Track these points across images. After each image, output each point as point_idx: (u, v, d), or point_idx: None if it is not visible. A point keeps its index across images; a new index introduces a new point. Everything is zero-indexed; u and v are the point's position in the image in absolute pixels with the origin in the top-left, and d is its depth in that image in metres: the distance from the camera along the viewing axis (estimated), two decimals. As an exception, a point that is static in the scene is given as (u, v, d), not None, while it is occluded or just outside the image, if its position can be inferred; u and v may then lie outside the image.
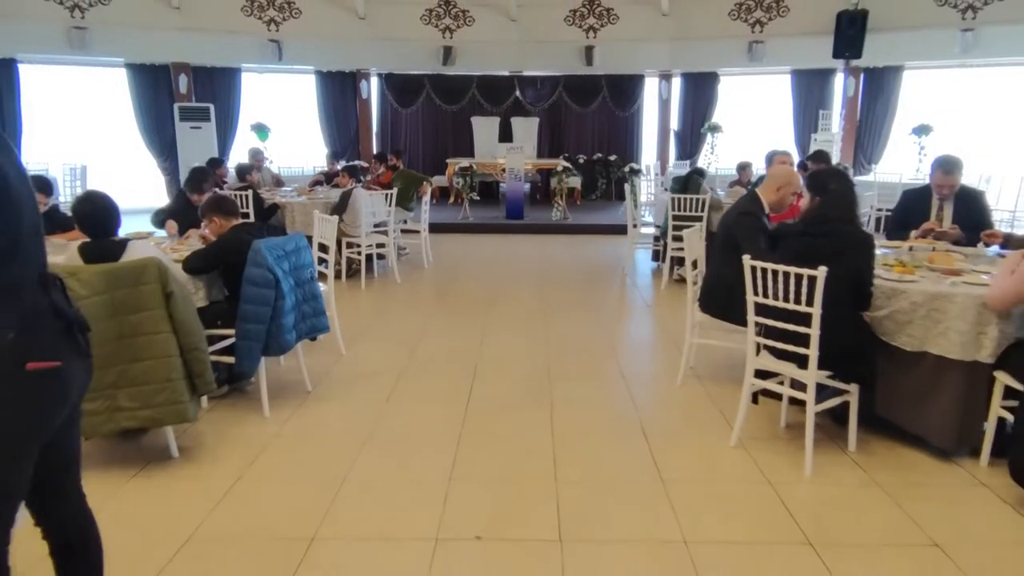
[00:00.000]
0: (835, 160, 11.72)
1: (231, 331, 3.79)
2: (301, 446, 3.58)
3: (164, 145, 12.54)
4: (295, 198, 7.51)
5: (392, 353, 5.05)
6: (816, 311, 3.11)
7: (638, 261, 8.50)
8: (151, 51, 11.95)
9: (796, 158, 8.84)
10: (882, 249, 4.23)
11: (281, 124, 13.09)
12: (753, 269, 3.33)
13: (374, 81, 14.07)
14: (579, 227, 11.09)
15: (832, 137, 12.28)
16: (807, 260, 3.13)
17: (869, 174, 11.63)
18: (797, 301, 3.17)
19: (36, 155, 11.40)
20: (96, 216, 3.37)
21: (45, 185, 5.11)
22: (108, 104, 12.53)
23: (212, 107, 12.47)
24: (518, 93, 14.18)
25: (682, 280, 5.98)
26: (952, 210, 4.72)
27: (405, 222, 8.33)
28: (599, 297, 7.00)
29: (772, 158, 5.76)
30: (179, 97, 12.48)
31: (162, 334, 3.15)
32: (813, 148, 11.61)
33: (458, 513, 2.92)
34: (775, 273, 3.23)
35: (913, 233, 4.60)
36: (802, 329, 3.18)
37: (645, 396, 4.33)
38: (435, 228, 9.16)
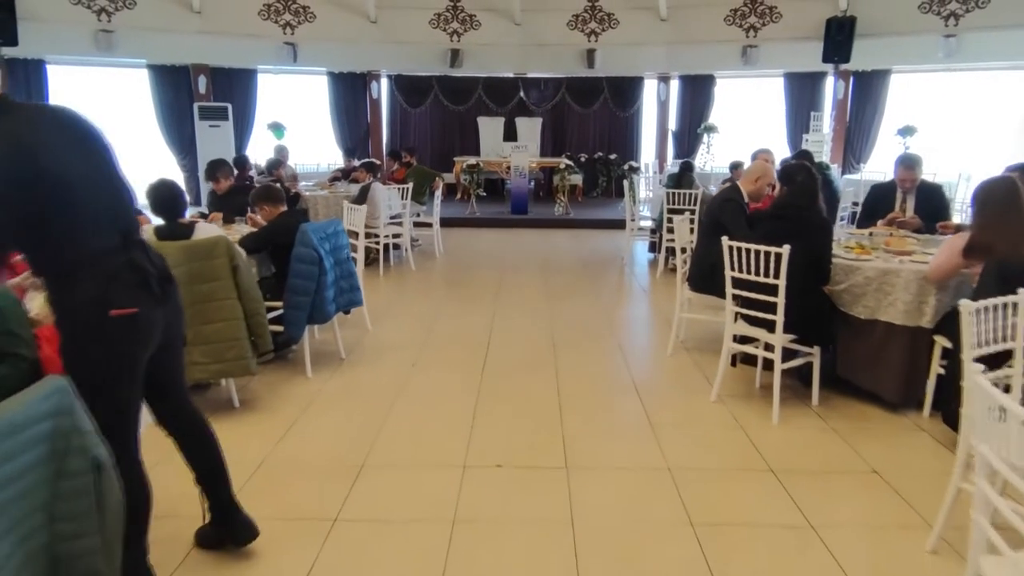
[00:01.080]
0: (825, 158, 12.36)
1: (279, 303, 4.37)
2: (343, 400, 4.16)
3: (184, 143, 13.12)
4: (318, 192, 8.09)
5: (413, 329, 5.64)
6: (782, 283, 3.69)
7: (636, 252, 9.07)
8: (173, 53, 12.52)
9: (787, 155, 9.41)
10: (849, 234, 4.82)
11: (295, 123, 13.67)
12: (730, 248, 3.91)
13: (384, 82, 14.64)
14: (581, 222, 11.67)
15: (823, 137, 12.85)
16: (775, 240, 3.71)
17: (857, 173, 12.21)
18: (767, 274, 3.75)
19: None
20: (168, 200, 3.94)
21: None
22: (131, 104, 13.10)
23: (230, 106, 13.03)
24: (522, 94, 14.75)
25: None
26: (914, 202, 5.30)
27: (418, 215, 8.91)
28: (599, 284, 7.58)
29: (756, 155, 6.34)
30: (198, 97, 13.05)
31: (230, 300, 3.73)
32: (803, 147, 12.27)
33: (481, 448, 3.51)
34: (748, 251, 3.81)
35: (880, 222, 5.19)
36: (771, 299, 3.76)
37: (638, 363, 4.91)
38: (444, 222, 9.72)
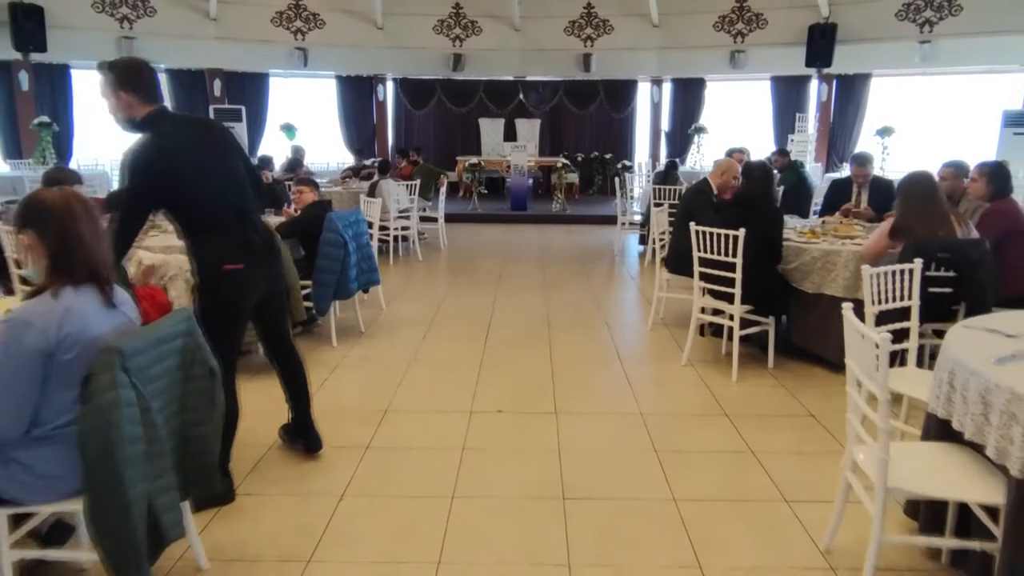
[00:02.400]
0: (809, 157, 13.04)
1: (308, 281, 5.04)
2: (365, 364, 4.84)
3: (200, 143, 13.79)
4: (332, 188, 8.76)
5: (422, 309, 6.31)
6: (739, 261, 4.36)
7: (627, 245, 9.74)
8: (190, 58, 13.21)
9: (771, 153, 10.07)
10: (805, 222, 5.50)
11: (305, 124, 14.33)
12: (697, 232, 4.58)
13: (389, 85, 15.31)
14: (576, 218, 12.34)
15: (807, 138, 13.51)
16: (733, 225, 4.38)
17: (840, 171, 12.87)
18: (726, 254, 4.42)
19: (87, 152, 12.66)
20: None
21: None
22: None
23: (243, 109, 13.71)
24: (521, 96, 15.42)
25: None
26: (867, 195, 5.98)
27: (424, 210, 9.58)
28: (591, 272, 8.24)
29: (730, 153, 7.01)
30: (213, 100, 13.73)
31: (271, 276, 4.40)
32: (790, 147, 12.96)
33: (484, 398, 4.18)
34: (711, 234, 4.48)
35: (837, 213, 5.87)
36: (730, 275, 4.43)
37: (622, 337, 5.59)
38: (447, 218, 10.32)
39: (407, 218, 8.74)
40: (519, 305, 6.53)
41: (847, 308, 2.55)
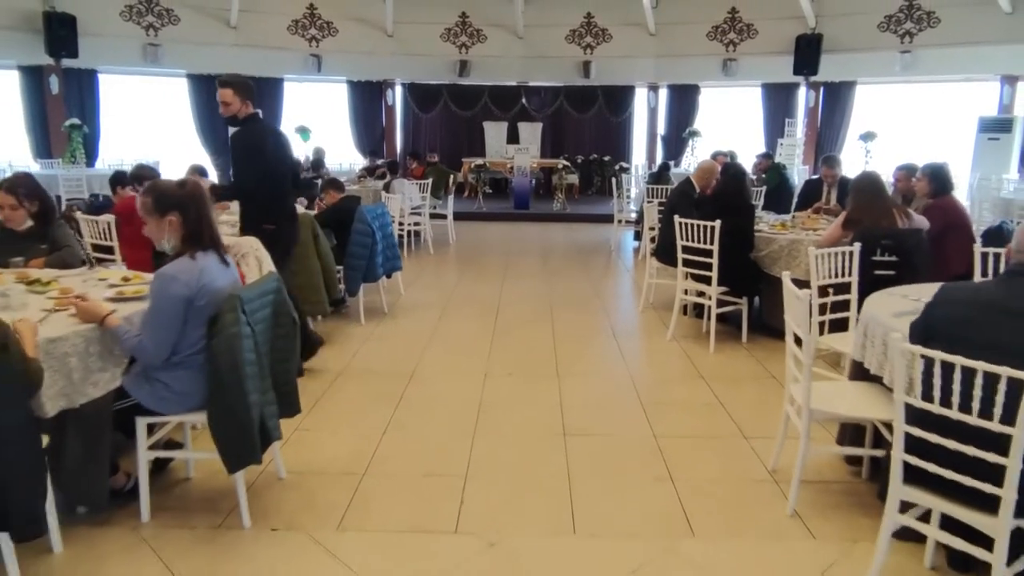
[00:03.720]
0: (797, 160, 13.75)
1: (339, 266, 5.74)
2: (390, 338, 5.54)
3: (218, 144, 14.46)
4: (351, 187, 9.46)
5: (437, 295, 7.02)
6: (715, 248, 5.07)
7: (623, 241, 10.45)
8: (210, 64, 13.87)
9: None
10: (779, 217, 6.20)
11: (317, 126, 15.04)
12: (680, 224, 5.29)
13: (398, 89, 16.01)
14: (576, 216, 13.05)
15: (796, 142, 14.23)
16: (711, 217, 5.09)
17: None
18: (704, 242, 5.12)
19: (112, 153, 13.37)
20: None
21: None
22: (172, 109, 14.50)
23: (260, 112, 14.37)
24: (524, 101, 16.14)
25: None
26: (836, 194, 6.69)
27: (435, 207, 10.28)
28: (589, 264, 8.95)
29: (715, 156, 7.72)
30: (231, 103, 14.41)
31: (312, 259, 5.11)
32: (779, 151, 13.69)
33: (496, 364, 4.88)
34: (692, 225, 5.19)
35: (809, 210, 6.57)
36: (708, 260, 5.14)
37: (616, 318, 6.30)
38: (454, 216, 11.04)
39: (419, 215, 9.44)
40: (524, 291, 7.24)
41: (786, 276, 3.26)
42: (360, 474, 3.29)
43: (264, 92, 14.68)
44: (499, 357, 5.08)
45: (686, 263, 5.37)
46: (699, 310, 5.81)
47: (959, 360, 2.06)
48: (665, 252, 6.03)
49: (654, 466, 3.42)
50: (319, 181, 8.75)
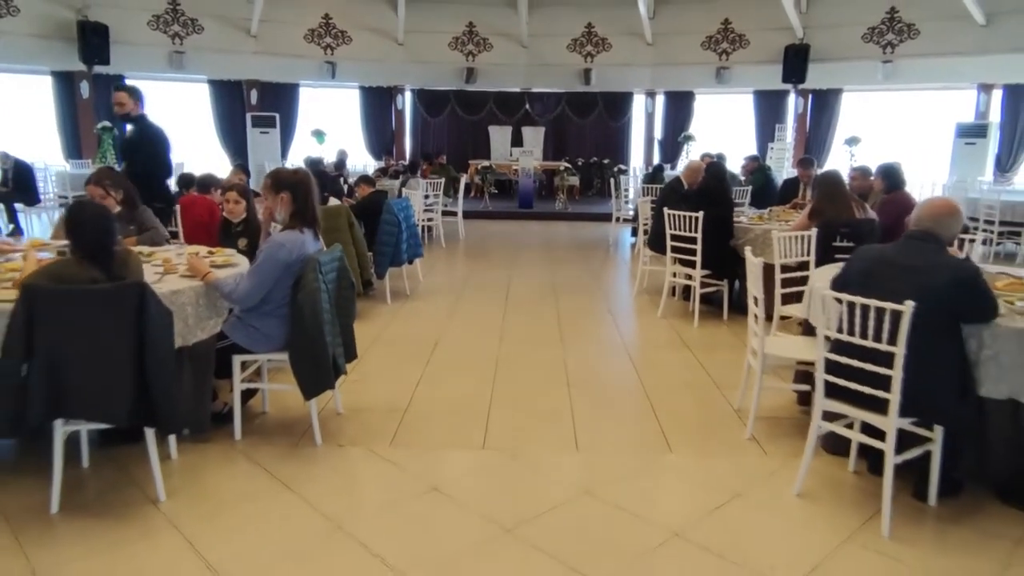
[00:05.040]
0: (787, 163, 14.52)
1: (369, 252, 6.51)
2: (415, 315, 6.31)
3: (237, 146, 15.28)
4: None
5: (452, 281, 7.79)
6: (699, 235, 5.84)
7: (621, 237, 11.23)
8: (231, 70, 14.72)
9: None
10: (759, 211, 6.98)
11: (330, 129, 15.83)
12: (669, 215, 6.06)
13: (408, 95, 16.82)
14: (577, 215, 13.83)
15: (786, 146, 15.01)
16: (695, 209, 5.85)
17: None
18: (689, 231, 5.89)
19: (138, 153, 14.13)
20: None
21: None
22: (193, 112, 15.28)
23: (277, 116, 15.21)
24: (528, 106, 16.95)
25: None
26: (811, 191, 7.44)
27: (446, 205, 11.05)
28: (589, 257, 9.72)
29: (704, 156, 8.50)
30: (250, 107, 15.23)
31: (349, 245, 5.88)
32: (770, 155, 14.47)
33: (509, 334, 5.65)
34: (678, 216, 5.96)
35: (787, 206, 7.34)
36: (692, 246, 5.90)
37: (613, 301, 7.07)
38: (463, 214, 11.84)
39: (432, 212, 10.21)
40: (530, 279, 8.01)
41: (748, 251, 4.03)
42: (403, 410, 4.05)
43: (281, 97, 15.55)
44: (511, 329, 5.84)
45: (674, 249, 6.14)
46: (687, 293, 6.57)
47: (858, 299, 2.83)
48: (657, 242, 6.81)
49: (641, 404, 4.19)
50: (342, 179, 9.55)
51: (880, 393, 2.84)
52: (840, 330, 2.96)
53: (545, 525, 2.90)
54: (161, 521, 2.89)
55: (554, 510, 3.03)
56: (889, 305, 2.74)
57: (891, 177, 5.80)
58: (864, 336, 2.85)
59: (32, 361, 2.72)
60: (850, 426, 3.19)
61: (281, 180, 3.54)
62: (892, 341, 2.76)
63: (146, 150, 5.53)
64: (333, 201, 6.07)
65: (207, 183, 5.83)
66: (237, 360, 3.57)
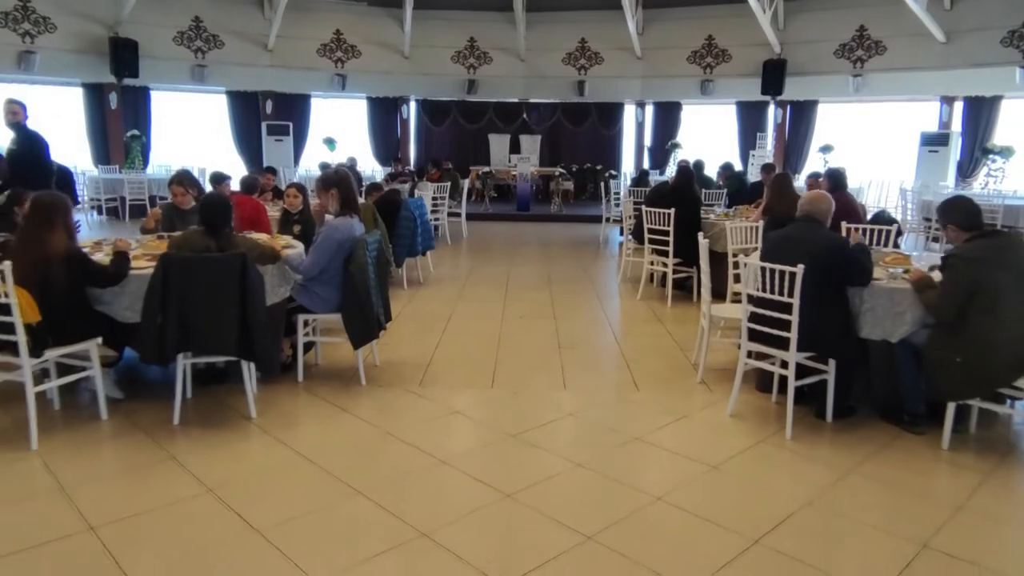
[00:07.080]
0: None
1: (390, 246, 7.54)
2: (429, 298, 7.34)
3: (252, 153, 16.30)
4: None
5: (459, 272, 8.83)
6: (671, 229, 6.89)
7: (610, 236, 12.28)
8: (249, 82, 15.76)
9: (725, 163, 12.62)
10: (725, 210, 8.04)
11: (339, 137, 16.87)
12: (646, 212, 7.11)
13: (412, 105, 17.88)
14: (571, 217, 14.87)
15: (766, 154, 16.07)
16: (667, 207, 6.91)
17: (794, 182, 15.42)
18: (663, 225, 6.94)
19: (161, 159, 15.17)
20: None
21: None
22: (212, 121, 16.32)
23: (291, 124, 16.25)
24: (525, 116, 18.02)
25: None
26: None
27: (451, 206, 12.09)
28: (581, 253, 10.76)
29: (679, 163, 9.56)
30: (265, 117, 16.26)
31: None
32: (752, 161, 15.54)
33: (509, 313, 6.68)
34: (655, 212, 7.01)
35: (751, 205, 8.40)
36: (666, 239, 6.95)
37: (599, 287, 8.11)
38: (465, 216, 12.86)
39: (438, 212, 11.25)
40: (528, 271, 9.05)
41: (700, 235, 5.08)
42: (426, 364, 5.08)
43: (294, 107, 16.60)
44: (511, 309, 6.88)
45: (651, 241, 7.19)
46: (663, 280, 7.61)
47: (767, 264, 3.87)
48: (638, 234, 7.88)
49: (618, 361, 5.23)
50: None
51: (784, 333, 3.88)
52: (757, 289, 4.00)
53: (540, 433, 3.94)
54: (254, 429, 3.93)
55: (546, 425, 4.07)
56: (788, 268, 3.79)
57: (834, 179, 6.85)
58: (772, 292, 3.90)
59: (167, 310, 3.75)
60: (773, 365, 4.23)
61: (329, 180, 4.58)
62: (790, 295, 3.81)
63: (35, 152, 6.30)
64: (363, 202, 7.13)
65: (251, 185, 6.78)
66: (301, 318, 4.60)
